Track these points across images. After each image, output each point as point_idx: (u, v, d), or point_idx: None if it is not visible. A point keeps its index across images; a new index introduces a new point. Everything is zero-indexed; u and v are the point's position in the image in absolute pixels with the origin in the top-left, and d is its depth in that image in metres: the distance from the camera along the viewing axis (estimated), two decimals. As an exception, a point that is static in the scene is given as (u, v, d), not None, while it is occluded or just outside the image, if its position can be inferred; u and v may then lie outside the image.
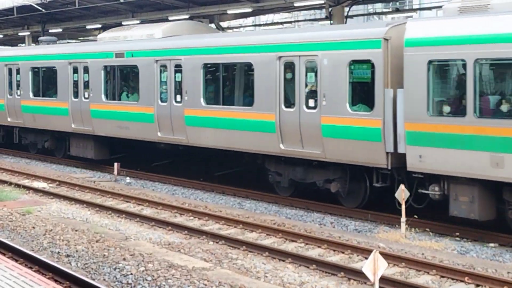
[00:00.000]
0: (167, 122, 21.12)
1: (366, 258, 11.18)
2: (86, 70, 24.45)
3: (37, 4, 33.34)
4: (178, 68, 20.79)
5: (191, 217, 17.21)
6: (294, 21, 41.30)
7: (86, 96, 24.38)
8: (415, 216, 15.29)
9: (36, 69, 27.49)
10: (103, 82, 23.79)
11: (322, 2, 25.28)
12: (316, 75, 16.89)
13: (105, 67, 23.64)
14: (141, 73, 22.00)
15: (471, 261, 12.99)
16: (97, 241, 14.12)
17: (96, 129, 24.07)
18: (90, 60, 24.17)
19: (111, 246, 13.64)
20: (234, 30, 41.72)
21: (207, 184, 21.24)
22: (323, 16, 33.68)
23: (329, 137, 16.58)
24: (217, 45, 19.80)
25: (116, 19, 34.42)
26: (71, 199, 19.64)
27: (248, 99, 18.95)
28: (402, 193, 14.86)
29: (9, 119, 29.01)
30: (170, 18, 30.45)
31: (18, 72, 28.33)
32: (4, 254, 12.51)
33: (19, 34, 43.56)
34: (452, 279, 11.96)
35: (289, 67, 17.60)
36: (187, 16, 29.84)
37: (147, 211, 18.05)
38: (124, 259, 12.63)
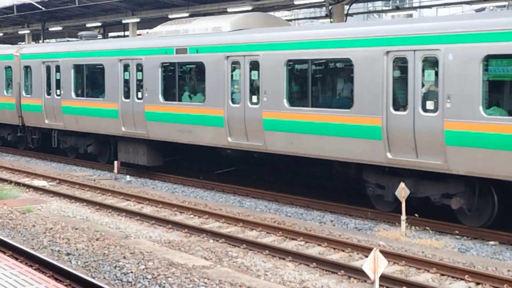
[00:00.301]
0: (239, 126, 18.73)
1: (366, 256, 11.19)
2: (139, 67, 22.02)
3: (37, 2, 33.35)
4: (254, 65, 18.39)
5: (191, 216, 17.21)
6: (294, 19, 41.31)
7: (140, 96, 21.97)
8: (416, 215, 15.27)
9: (80, 67, 24.78)
10: (161, 81, 21.24)
11: (322, 0, 25.29)
12: (436, 73, 14.55)
13: (163, 64, 21.24)
14: (207, 70, 19.59)
15: (471, 259, 12.99)
16: (97, 240, 14.12)
17: (151, 133, 21.68)
18: (145, 56, 21.73)
19: (111, 245, 13.65)
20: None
21: (207, 182, 21.23)
22: (323, 14, 33.76)
23: (455, 146, 14.14)
24: (305, 39, 17.24)
25: (116, 17, 34.46)
26: (71, 197, 19.64)
27: (345, 101, 16.59)
28: (402, 191, 14.84)
29: (46, 121, 26.35)
30: (170, 16, 30.49)
31: (58, 69, 25.62)
32: (4, 253, 12.52)
33: (19, 32, 43.59)
34: (452, 277, 11.96)
35: (400, 63, 15.38)
36: (187, 14, 29.87)
37: (147, 210, 18.05)
38: (124, 257, 12.63)
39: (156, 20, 34.76)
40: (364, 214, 16.69)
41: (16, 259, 12.13)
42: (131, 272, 11.65)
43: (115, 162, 23.10)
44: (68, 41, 27.85)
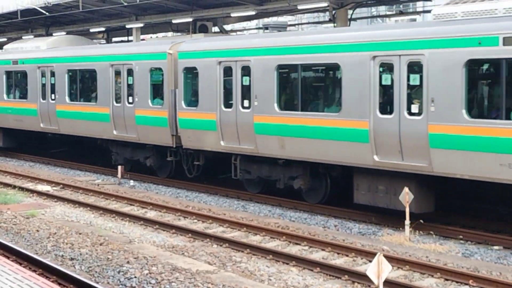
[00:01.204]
0: None
1: (370, 261, 11.17)
2: (414, 68, 15.09)
3: (41, 8, 33.40)
4: None
5: (195, 220, 17.21)
6: (298, 24, 41.33)
7: (415, 111, 14.94)
8: (421, 221, 15.19)
9: (290, 68, 18.11)
10: (464, 87, 14.10)
11: (326, 4, 25.27)
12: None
13: (473, 62, 14.13)
14: None
15: (475, 264, 12.97)
16: (101, 244, 14.13)
17: (440, 166, 14.47)
18: (429, 51, 14.56)
19: (115, 249, 13.65)
20: (238, 33, 41.78)
21: (210, 187, 21.22)
22: (327, 18, 33.75)
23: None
24: None
25: (119, 22, 34.50)
26: (75, 202, 19.65)
27: None
28: (406, 196, 14.82)
29: (223, 143, 19.39)
30: (174, 22, 30.55)
31: (247, 72, 18.72)
32: (8, 257, 12.52)
33: (23, 37, 43.69)
34: (457, 282, 11.94)
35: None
36: (190, 19, 29.90)
37: (151, 214, 18.05)
38: (128, 262, 12.63)
39: (160, 25, 34.85)
40: (368, 218, 16.66)
41: (20, 264, 12.14)
42: (135, 277, 11.65)
43: (119, 167, 23.07)
44: (266, 29, 20.35)
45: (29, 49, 29.12)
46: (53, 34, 38.15)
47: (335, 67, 16.93)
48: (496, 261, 13.34)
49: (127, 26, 33.98)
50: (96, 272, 12.15)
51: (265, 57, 18.28)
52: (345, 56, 16.25)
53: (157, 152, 22.51)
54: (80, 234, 15.21)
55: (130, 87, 22.60)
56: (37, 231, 15.47)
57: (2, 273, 10.24)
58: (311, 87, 18.27)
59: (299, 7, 26.15)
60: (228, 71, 19.33)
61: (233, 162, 19.69)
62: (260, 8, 27.56)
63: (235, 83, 19.07)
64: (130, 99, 22.57)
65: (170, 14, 30.89)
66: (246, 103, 18.78)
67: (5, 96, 29.61)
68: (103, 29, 36.68)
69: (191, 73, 20.71)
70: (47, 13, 34.01)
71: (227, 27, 35.41)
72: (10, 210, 17.93)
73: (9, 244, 13.53)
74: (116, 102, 23.18)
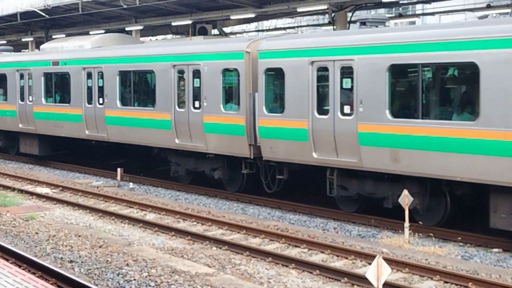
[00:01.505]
0: None
1: (370, 264, 11.17)
2: None
3: (40, 10, 33.44)
4: None
5: (194, 223, 17.21)
6: (297, 27, 41.40)
7: None
8: (420, 223, 15.19)
9: (408, 68, 15.25)
10: None
11: (325, 7, 25.34)
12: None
13: None
14: None
15: (474, 267, 12.97)
16: (100, 247, 14.13)
17: None
18: None
19: (114, 252, 13.65)
20: (237, 35, 41.80)
21: (210, 189, 21.20)
22: (326, 21, 33.80)
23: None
24: None
25: (119, 25, 34.56)
26: (75, 204, 19.64)
27: None
28: (405, 198, 14.82)
29: (315, 155, 16.78)
30: (173, 24, 30.60)
31: (347, 73, 16.07)
32: (8, 260, 12.52)
33: (23, 39, 43.71)
34: (456, 284, 11.94)
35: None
36: (190, 22, 29.96)
37: (150, 217, 18.05)
38: (127, 264, 12.63)
39: (160, 28, 34.91)
40: (367, 221, 16.66)
41: (19, 266, 12.14)
42: (134, 280, 11.65)
43: (118, 169, 23.05)
44: (363, 24, 17.46)
45: (71, 48, 26.67)
46: (53, 36, 38.17)
47: (470, 67, 14.07)
48: (496, 263, 13.34)
49: (127, 29, 34.03)
50: (95, 274, 12.14)
51: (373, 55, 15.43)
52: (485, 53, 13.46)
53: (228, 163, 20.03)
54: (79, 236, 15.21)
55: (196, 90, 19.99)
56: (37, 233, 15.47)
57: (1, 276, 10.25)
58: (435, 90, 15.03)
59: (299, 10, 26.21)
60: (322, 72, 16.67)
61: (328, 177, 16.98)
62: (260, 11, 27.62)
63: (332, 86, 16.30)
64: (197, 103, 19.95)
65: (170, 16, 30.94)
66: (346, 109, 16.06)
67: (43, 100, 26.80)
68: (102, 31, 36.73)
69: (275, 75, 18.04)
70: (46, 16, 34.03)
71: (227, 29, 35.48)
72: (10, 212, 17.93)
73: (9, 246, 13.52)
74: (179, 107, 20.58)
